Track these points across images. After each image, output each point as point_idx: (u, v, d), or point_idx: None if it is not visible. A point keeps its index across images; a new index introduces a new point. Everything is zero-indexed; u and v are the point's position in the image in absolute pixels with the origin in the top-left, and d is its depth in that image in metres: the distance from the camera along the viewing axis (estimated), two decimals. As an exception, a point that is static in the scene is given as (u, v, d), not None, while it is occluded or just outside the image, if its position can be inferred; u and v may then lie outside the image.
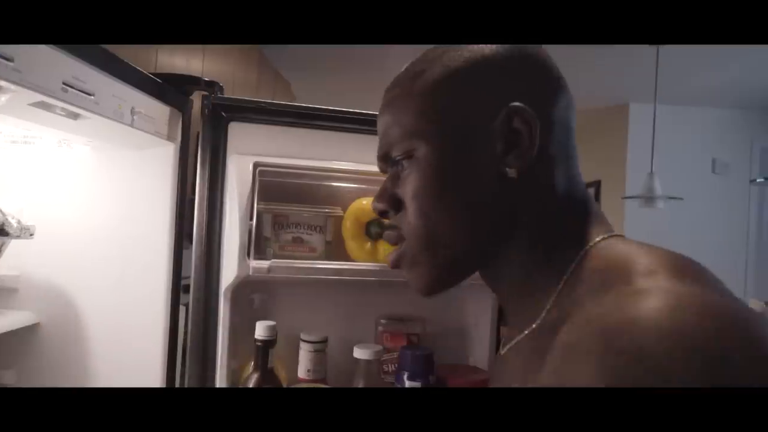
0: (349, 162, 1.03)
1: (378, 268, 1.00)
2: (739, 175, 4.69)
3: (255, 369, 0.86)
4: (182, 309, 1.03)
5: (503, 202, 0.52)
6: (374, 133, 1.03)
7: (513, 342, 0.55)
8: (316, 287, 1.06)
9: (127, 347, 0.97)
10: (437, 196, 0.53)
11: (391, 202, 0.57)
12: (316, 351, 0.96)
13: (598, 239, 0.51)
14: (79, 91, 0.69)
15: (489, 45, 0.54)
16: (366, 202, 1.00)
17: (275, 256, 0.97)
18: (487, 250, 0.55)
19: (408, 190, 0.55)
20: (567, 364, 0.41)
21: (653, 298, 0.38)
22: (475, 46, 0.54)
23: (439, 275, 0.56)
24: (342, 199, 1.03)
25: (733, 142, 4.73)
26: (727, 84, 4.12)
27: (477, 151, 0.52)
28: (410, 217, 0.55)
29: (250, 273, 0.92)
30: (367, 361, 0.93)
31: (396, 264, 0.58)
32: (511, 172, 0.51)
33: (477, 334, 1.14)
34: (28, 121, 0.75)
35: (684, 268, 0.43)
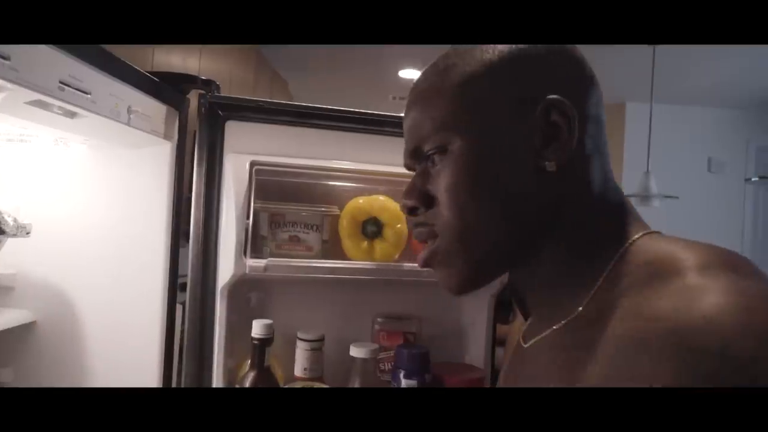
0: (347, 161, 1.03)
1: (374, 267, 1.00)
2: (735, 174, 4.71)
3: (251, 367, 0.86)
4: (179, 307, 1.03)
5: (542, 196, 0.52)
6: (372, 132, 1.05)
7: (540, 336, 0.55)
8: (313, 286, 1.06)
9: (123, 345, 0.97)
10: (473, 191, 0.52)
11: (421, 198, 0.56)
12: (312, 350, 0.97)
13: (637, 236, 0.51)
14: (76, 89, 0.69)
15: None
16: (362, 201, 1.01)
17: (272, 255, 0.97)
18: (525, 247, 0.54)
19: (441, 185, 0.53)
20: (627, 358, 0.40)
21: (720, 294, 0.39)
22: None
23: (474, 273, 0.55)
24: (339, 198, 1.03)
25: (729, 141, 4.74)
26: (723, 83, 4.14)
27: (514, 145, 0.51)
28: (444, 212, 0.53)
29: (247, 271, 0.92)
30: (364, 360, 0.94)
31: (427, 262, 0.57)
32: (550, 166, 0.50)
33: (473, 332, 1.14)
34: (24, 119, 0.75)
35: (733, 262, 0.44)
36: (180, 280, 1.01)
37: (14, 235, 0.91)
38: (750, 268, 0.43)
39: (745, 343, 0.36)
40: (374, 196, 1.02)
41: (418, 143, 0.56)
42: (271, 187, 1.00)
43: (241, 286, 0.99)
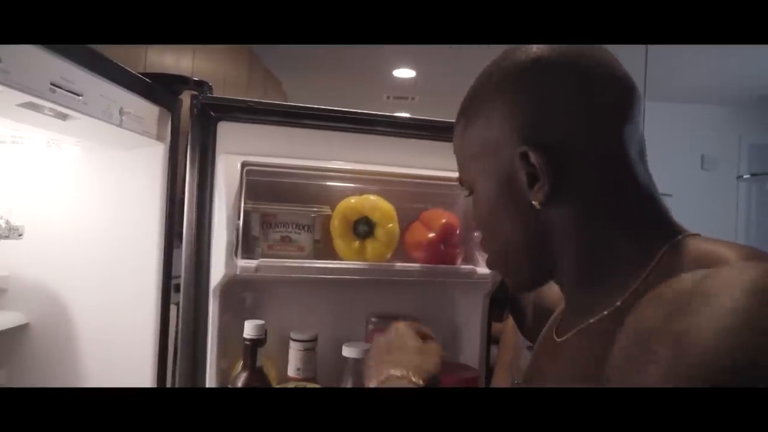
0: (339, 161, 1.03)
1: (366, 267, 1.00)
2: (728, 171, 4.73)
3: (244, 368, 0.86)
4: (174, 308, 1.03)
5: (536, 229, 0.58)
6: (363, 131, 1.05)
7: (576, 329, 0.57)
8: (306, 286, 1.06)
9: (117, 347, 0.97)
10: (489, 226, 0.63)
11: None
12: (305, 350, 0.97)
13: (681, 236, 0.54)
14: (68, 91, 0.69)
15: (507, 83, 0.57)
16: (354, 201, 1.01)
17: (263, 255, 0.97)
18: (545, 267, 0.61)
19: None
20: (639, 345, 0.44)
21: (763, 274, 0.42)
22: (492, 89, 0.58)
23: (521, 281, 0.65)
24: (332, 198, 1.03)
25: (722, 138, 4.77)
26: (716, 81, 4.15)
27: (507, 186, 0.58)
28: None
29: (238, 272, 0.92)
30: (356, 360, 0.93)
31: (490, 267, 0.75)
32: (536, 204, 0.56)
33: (467, 332, 1.15)
34: (16, 121, 0.75)
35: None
36: (174, 281, 1.01)
37: (6, 237, 0.91)
38: None
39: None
40: (366, 196, 1.02)
41: (459, 172, 0.66)
42: (262, 188, 0.99)
43: (233, 286, 0.99)
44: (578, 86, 0.54)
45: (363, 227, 1.00)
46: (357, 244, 1.00)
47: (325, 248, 1.03)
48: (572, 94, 0.54)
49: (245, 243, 0.95)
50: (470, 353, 1.13)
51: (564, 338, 0.59)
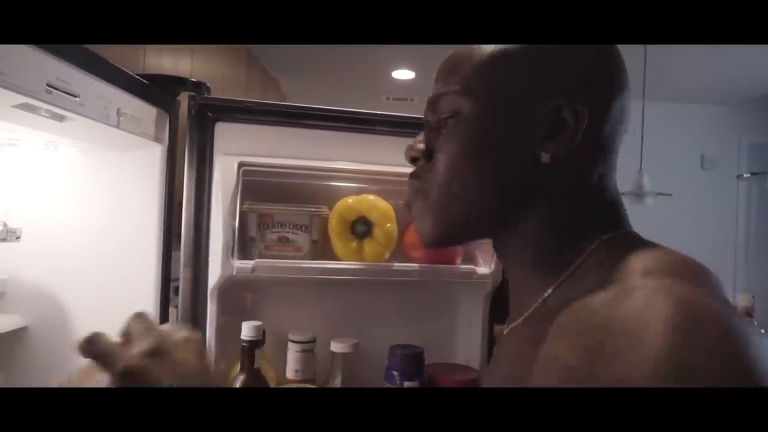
0: (338, 161, 1.03)
1: (364, 267, 0.99)
2: (727, 171, 4.73)
3: (241, 370, 0.86)
4: (174, 311, 1.03)
5: (528, 183, 0.53)
6: (362, 131, 1.04)
7: (512, 326, 0.56)
8: (306, 287, 1.06)
9: (116, 350, 0.97)
10: (468, 160, 0.54)
11: (425, 151, 0.59)
12: (303, 351, 0.96)
13: (608, 235, 0.52)
14: (64, 92, 0.68)
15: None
16: (352, 200, 0.99)
17: (261, 256, 0.97)
18: (497, 222, 0.56)
19: (444, 146, 0.56)
20: (552, 343, 0.42)
21: (651, 294, 0.39)
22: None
23: (444, 230, 0.57)
24: (330, 198, 1.02)
25: (721, 137, 4.76)
26: (715, 80, 4.15)
27: (519, 126, 0.53)
28: (435, 170, 0.56)
29: (234, 273, 0.91)
30: (344, 354, 0.93)
31: (407, 204, 0.61)
32: (545, 157, 0.52)
33: (468, 333, 1.14)
34: (12, 123, 0.74)
35: (681, 270, 0.44)
36: (174, 284, 1.01)
37: (4, 240, 0.91)
38: (698, 278, 0.43)
39: (655, 339, 0.36)
40: (364, 196, 1.00)
41: (437, 100, 0.58)
42: (261, 188, 0.99)
43: (232, 287, 0.98)
44: (613, 57, 0.55)
45: (361, 227, 0.99)
46: (355, 244, 0.99)
47: (323, 249, 1.02)
48: (606, 62, 0.54)
49: (242, 244, 0.95)
50: (472, 354, 1.13)
51: (506, 331, 0.59)
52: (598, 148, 0.54)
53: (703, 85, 4.28)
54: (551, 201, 0.54)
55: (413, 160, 0.60)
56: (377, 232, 0.99)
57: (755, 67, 3.84)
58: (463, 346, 1.15)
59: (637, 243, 0.50)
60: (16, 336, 0.97)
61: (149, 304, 0.97)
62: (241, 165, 0.95)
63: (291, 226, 0.99)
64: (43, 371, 0.98)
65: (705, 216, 4.58)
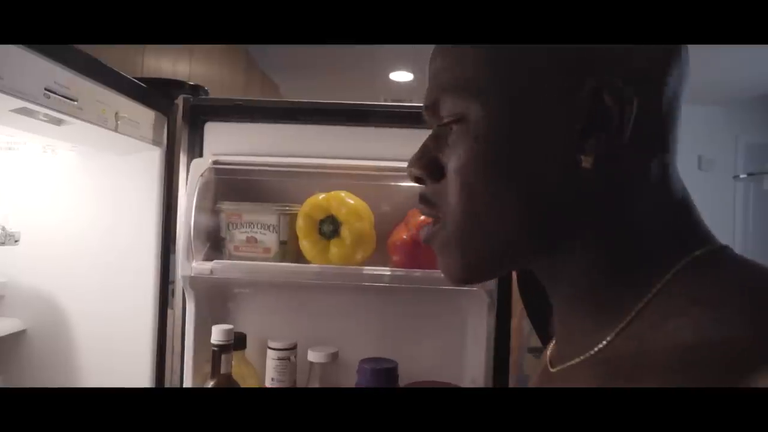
0: (329, 157, 0.98)
1: (330, 271, 0.92)
2: (724, 172, 4.74)
3: (212, 375, 0.83)
4: (172, 313, 1.03)
5: (571, 192, 0.41)
6: (354, 124, 0.99)
7: (568, 364, 0.44)
8: (292, 291, 1.03)
9: (114, 353, 0.97)
10: (485, 175, 0.42)
11: (430, 167, 0.46)
12: (280, 359, 0.91)
13: (698, 252, 0.40)
14: (62, 96, 0.69)
15: None
16: (322, 197, 0.92)
17: (230, 257, 0.94)
18: (540, 245, 0.44)
19: (453, 159, 0.43)
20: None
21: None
22: None
23: (475, 264, 0.45)
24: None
25: (718, 138, 4.77)
26: (712, 81, 4.16)
27: (546, 126, 0.41)
28: (451, 192, 0.44)
29: (192, 274, 0.90)
30: (321, 365, 0.88)
31: (427, 241, 0.48)
32: (586, 161, 0.40)
33: (472, 347, 1.01)
34: (10, 127, 0.75)
35: None
36: (173, 287, 1.01)
37: (3, 244, 0.91)
38: None
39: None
40: (335, 192, 0.93)
41: (436, 99, 0.46)
42: (247, 189, 0.98)
43: (210, 290, 0.97)
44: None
45: (328, 227, 0.92)
46: (322, 245, 0.92)
47: (295, 250, 0.95)
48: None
49: (214, 244, 0.93)
50: (477, 374, 0.98)
51: (553, 370, 0.47)
52: (656, 135, 0.42)
53: (700, 86, 4.28)
54: (600, 214, 0.42)
55: (419, 181, 0.48)
56: (344, 232, 0.91)
57: (752, 68, 3.85)
58: (468, 365, 1.01)
59: (737, 262, 0.40)
60: (15, 339, 0.97)
61: (147, 308, 0.97)
62: (212, 164, 0.94)
63: (259, 226, 0.94)
64: (42, 374, 0.98)
65: (703, 217, 4.57)
